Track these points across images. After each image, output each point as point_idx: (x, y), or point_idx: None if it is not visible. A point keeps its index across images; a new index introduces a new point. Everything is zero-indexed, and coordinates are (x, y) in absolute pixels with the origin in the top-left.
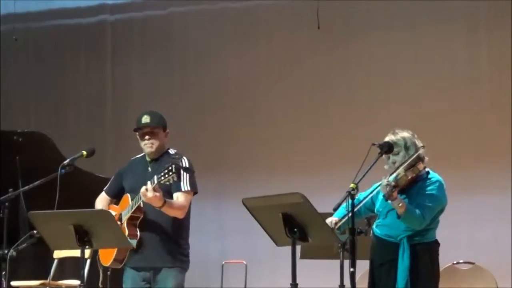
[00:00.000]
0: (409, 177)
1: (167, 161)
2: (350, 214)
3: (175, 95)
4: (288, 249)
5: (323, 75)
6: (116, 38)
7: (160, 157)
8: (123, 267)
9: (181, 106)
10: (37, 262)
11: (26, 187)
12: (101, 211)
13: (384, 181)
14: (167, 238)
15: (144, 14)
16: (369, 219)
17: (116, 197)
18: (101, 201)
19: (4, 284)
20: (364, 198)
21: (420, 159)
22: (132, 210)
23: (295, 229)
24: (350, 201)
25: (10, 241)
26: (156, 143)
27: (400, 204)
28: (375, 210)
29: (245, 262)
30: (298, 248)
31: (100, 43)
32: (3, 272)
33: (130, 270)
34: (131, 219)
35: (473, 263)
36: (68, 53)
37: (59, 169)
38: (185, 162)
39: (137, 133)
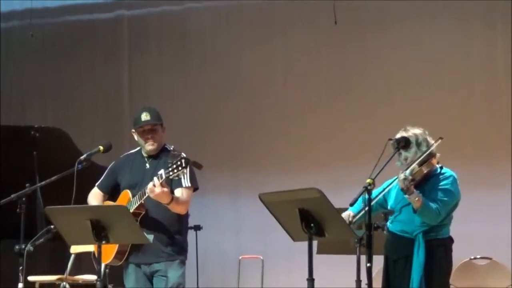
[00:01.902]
0: (425, 171)
1: (166, 157)
2: (366, 209)
3: (191, 90)
4: (304, 244)
5: (339, 70)
6: (132, 33)
7: (158, 153)
8: (123, 264)
9: (197, 101)
10: (54, 257)
11: (43, 182)
12: (119, 206)
13: (402, 175)
14: (169, 234)
15: (160, 9)
16: (386, 214)
17: (108, 193)
18: (95, 197)
19: (21, 279)
20: (377, 195)
21: (432, 155)
22: (135, 206)
23: (312, 224)
24: (366, 196)
25: (27, 236)
26: (157, 140)
27: (416, 199)
28: (389, 207)
29: (261, 257)
30: (315, 243)
31: (117, 38)
32: (20, 267)
33: (132, 266)
34: (132, 215)
35: (490, 259)
36: (85, 48)
37: (76, 164)
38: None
39: (136, 131)
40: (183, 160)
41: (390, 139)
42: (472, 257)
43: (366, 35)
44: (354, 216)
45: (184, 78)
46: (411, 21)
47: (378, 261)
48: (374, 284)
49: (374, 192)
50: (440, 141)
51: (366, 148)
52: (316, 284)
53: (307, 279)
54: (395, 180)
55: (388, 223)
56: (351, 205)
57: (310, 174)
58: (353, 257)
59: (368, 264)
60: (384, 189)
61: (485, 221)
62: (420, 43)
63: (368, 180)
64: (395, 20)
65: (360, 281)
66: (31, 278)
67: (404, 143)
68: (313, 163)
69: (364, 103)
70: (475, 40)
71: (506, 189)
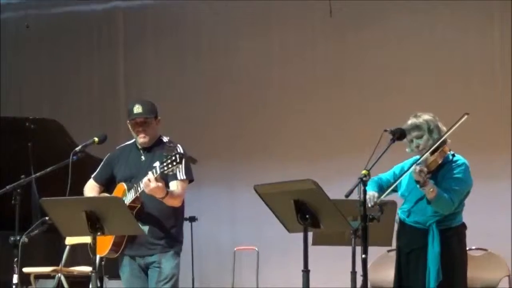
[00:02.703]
0: (439, 162)
1: (162, 149)
2: (362, 200)
3: (188, 82)
4: (299, 235)
5: (335, 62)
6: (128, 25)
7: (153, 145)
8: (119, 256)
9: (193, 93)
10: (49, 248)
11: (38, 174)
12: (113, 197)
13: (417, 168)
14: (164, 226)
15: (156, 1)
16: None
17: (104, 185)
18: (91, 189)
19: (16, 270)
20: (392, 183)
21: (444, 142)
22: (131, 200)
23: (307, 216)
24: (362, 187)
25: (22, 227)
26: (149, 133)
27: (431, 189)
28: (400, 195)
29: (256, 249)
30: (310, 234)
31: (113, 30)
32: (15, 259)
33: (126, 258)
34: (128, 208)
35: (486, 250)
36: (81, 40)
37: (71, 155)
38: (180, 150)
39: (129, 123)
40: (177, 156)
41: (386, 130)
42: (468, 248)
43: (362, 27)
44: (378, 197)
45: (181, 71)
46: (408, 14)
47: (373, 252)
48: (369, 276)
49: (384, 175)
50: (466, 116)
51: (362, 140)
52: (311, 275)
53: (302, 271)
54: (409, 167)
55: (399, 213)
56: (346, 196)
57: (306, 166)
58: (349, 249)
59: (363, 256)
60: (398, 177)
61: (484, 213)
62: (417, 35)
63: (364, 172)
64: (391, 12)
65: (355, 272)
66: (26, 269)
67: (399, 134)
68: (309, 155)
69: (360, 95)
70: (472, 33)
71: (506, 181)
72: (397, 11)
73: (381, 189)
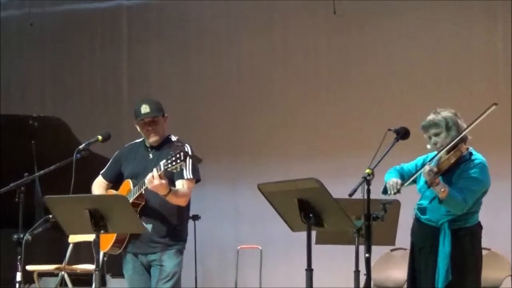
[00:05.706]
0: (452, 161)
1: (169, 148)
2: (367, 199)
3: (191, 80)
4: (303, 234)
5: (338, 60)
6: (132, 22)
7: (161, 144)
8: (121, 253)
9: (196, 91)
10: (52, 246)
11: (42, 172)
12: (117, 195)
13: (427, 167)
14: (167, 224)
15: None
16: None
17: (112, 182)
18: (99, 186)
19: (20, 268)
20: (410, 177)
21: (462, 140)
22: (135, 197)
23: (311, 215)
24: (366, 186)
25: (25, 225)
26: (158, 131)
27: (442, 189)
28: (417, 189)
29: (260, 248)
30: (313, 233)
31: (116, 27)
32: (19, 257)
33: (129, 255)
34: (132, 205)
35: (488, 249)
36: (84, 37)
37: (75, 153)
38: (188, 150)
39: (137, 123)
40: (181, 154)
41: (390, 129)
42: None
43: (365, 25)
44: (402, 184)
45: (184, 68)
46: (411, 11)
47: (377, 251)
48: (372, 275)
49: (407, 165)
50: (494, 106)
51: (366, 138)
52: (314, 274)
53: (306, 270)
54: (423, 164)
55: (415, 209)
56: (350, 195)
57: (310, 164)
58: (352, 248)
59: (367, 255)
60: (417, 170)
61: (485, 212)
62: (420, 32)
63: (367, 171)
64: (394, 10)
65: (359, 271)
66: (29, 267)
67: (403, 134)
68: (312, 153)
69: (364, 93)
70: (475, 29)
71: (506, 180)
72: (401, 10)
73: (402, 178)
